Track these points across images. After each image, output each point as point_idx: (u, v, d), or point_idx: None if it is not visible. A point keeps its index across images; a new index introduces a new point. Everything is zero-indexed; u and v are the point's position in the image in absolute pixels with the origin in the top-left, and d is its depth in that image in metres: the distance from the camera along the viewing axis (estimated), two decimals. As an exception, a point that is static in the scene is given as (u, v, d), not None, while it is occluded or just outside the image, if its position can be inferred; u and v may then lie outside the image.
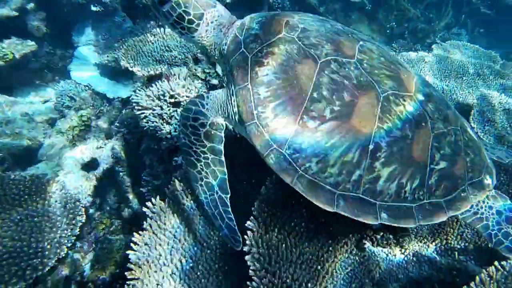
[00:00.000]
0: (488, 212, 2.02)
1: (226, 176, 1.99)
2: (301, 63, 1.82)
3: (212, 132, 1.96)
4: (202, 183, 1.97)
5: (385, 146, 1.77)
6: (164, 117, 3.39)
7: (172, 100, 3.44)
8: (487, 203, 2.03)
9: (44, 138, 4.66)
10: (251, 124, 1.82)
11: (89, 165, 4.34)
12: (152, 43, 4.20)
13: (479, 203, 2.01)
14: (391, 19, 7.83)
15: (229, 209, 1.97)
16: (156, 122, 3.37)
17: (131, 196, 4.14)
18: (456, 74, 4.89)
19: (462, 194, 1.91)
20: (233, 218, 1.97)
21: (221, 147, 1.98)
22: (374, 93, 1.79)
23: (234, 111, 1.92)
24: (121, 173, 4.21)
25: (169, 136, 3.37)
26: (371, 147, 1.76)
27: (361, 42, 1.96)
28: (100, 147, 4.44)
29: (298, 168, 1.77)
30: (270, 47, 1.87)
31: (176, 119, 3.39)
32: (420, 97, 1.91)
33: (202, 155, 1.96)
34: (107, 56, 5.96)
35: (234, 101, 1.91)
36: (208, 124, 1.96)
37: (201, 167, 1.96)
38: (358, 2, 7.62)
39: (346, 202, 1.76)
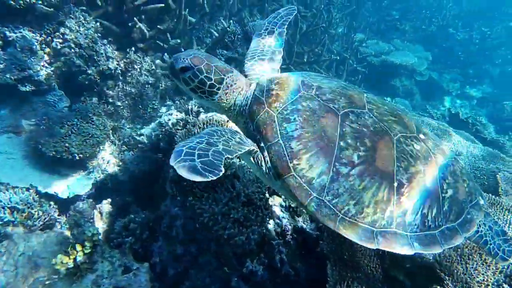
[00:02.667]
0: (484, 228, 2.24)
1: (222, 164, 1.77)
2: (324, 116, 1.96)
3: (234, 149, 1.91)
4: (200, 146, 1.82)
5: (406, 182, 1.93)
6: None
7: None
8: (481, 221, 2.23)
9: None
10: (289, 176, 1.91)
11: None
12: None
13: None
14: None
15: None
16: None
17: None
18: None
19: (468, 216, 2.11)
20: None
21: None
22: (389, 137, 1.98)
23: (268, 166, 2.00)
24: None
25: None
26: (395, 184, 1.91)
27: (365, 94, 2.18)
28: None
29: (338, 212, 1.87)
30: (293, 105, 2.01)
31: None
32: (422, 136, 2.14)
33: (201, 145, 1.85)
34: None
35: (266, 156, 2.00)
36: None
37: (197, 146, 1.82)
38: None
39: (384, 238, 1.88)
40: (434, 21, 12.57)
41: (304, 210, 1.95)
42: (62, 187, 3.99)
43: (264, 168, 2.02)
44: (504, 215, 3.66)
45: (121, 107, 4.64)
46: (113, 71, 4.48)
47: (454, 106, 9.47)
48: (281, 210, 2.91)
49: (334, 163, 1.89)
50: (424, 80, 11.36)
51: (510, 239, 2.29)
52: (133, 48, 4.78)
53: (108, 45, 4.65)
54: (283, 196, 3.09)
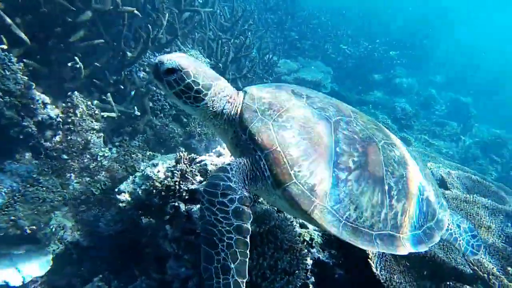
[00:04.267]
0: (453, 227, 2.50)
1: (247, 259, 1.82)
2: (319, 124, 1.95)
3: (241, 209, 1.84)
4: (218, 265, 1.79)
5: (394, 185, 2.00)
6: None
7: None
8: (449, 220, 2.47)
9: None
10: (290, 184, 1.83)
11: None
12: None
13: None
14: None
15: None
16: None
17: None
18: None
19: (439, 216, 2.27)
20: None
21: (249, 225, 1.85)
22: (375, 143, 2.04)
23: (267, 175, 1.89)
24: None
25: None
26: (386, 188, 1.97)
27: (348, 106, 2.28)
28: None
29: (341, 218, 1.86)
30: (288, 113, 1.96)
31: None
32: (398, 143, 2.28)
33: (226, 235, 1.81)
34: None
35: (264, 165, 1.89)
36: (237, 200, 1.85)
37: (222, 248, 1.80)
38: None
39: (382, 242, 1.93)
40: (328, 39, 13.99)
41: (304, 219, 1.96)
42: (11, 272, 3.17)
43: (261, 178, 1.93)
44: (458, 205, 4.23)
45: (68, 160, 3.94)
46: (54, 120, 3.79)
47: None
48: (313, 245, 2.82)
49: (334, 169, 1.87)
50: (327, 92, 12.51)
51: (478, 235, 2.58)
52: (75, 92, 4.14)
53: (38, 88, 3.93)
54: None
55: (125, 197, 3.13)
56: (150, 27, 4.42)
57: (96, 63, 4.45)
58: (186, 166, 3.06)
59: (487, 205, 4.11)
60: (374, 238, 1.92)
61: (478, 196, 4.33)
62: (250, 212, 1.86)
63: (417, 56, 17.62)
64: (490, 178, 9.46)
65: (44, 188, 3.39)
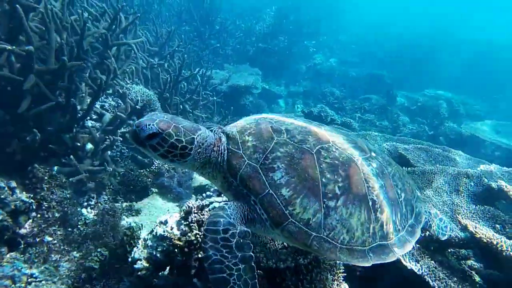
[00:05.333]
0: (426, 215, 2.72)
1: (256, 280, 1.95)
2: (303, 158, 2.05)
3: (242, 241, 1.95)
4: None
5: (376, 198, 2.16)
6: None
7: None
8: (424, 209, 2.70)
9: None
10: (288, 223, 1.95)
11: None
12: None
13: None
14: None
15: None
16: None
17: None
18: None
19: (417, 210, 2.49)
20: None
21: (251, 253, 1.96)
22: (354, 163, 2.17)
23: (264, 218, 2.01)
24: None
25: None
26: (370, 203, 2.12)
27: (322, 127, 2.40)
28: None
29: (336, 243, 1.99)
30: (273, 153, 2.05)
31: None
32: (373, 154, 2.42)
33: (235, 267, 1.91)
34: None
35: (259, 209, 2.00)
36: (238, 234, 1.94)
37: (234, 281, 1.90)
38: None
39: (374, 254, 2.08)
40: (248, 41, 14.28)
41: (304, 249, 2.13)
42: None
43: (259, 220, 2.04)
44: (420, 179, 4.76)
45: (53, 241, 3.57)
46: (27, 203, 3.40)
47: (308, 106, 11.10)
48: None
49: (323, 199, 2.00)
50: (259, 92, 12.84)
51: (443, 219, 2.92)
52: (35, 165, 3.74)
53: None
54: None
55: (142, 264, 2.95)
56: (103, 77, 4.15)
57: (48, 128, 4.07)
58: (199, 215, 3.00)
59: (450, 171, 4.69)
60: (367, 253, 2.07)
61: (439, 165, 4.93)
62: (250, 242, 1.98)
63: (328, 41, 18.87)
64: (424, 139, 10.65)
65: (43, 282, 3.05)
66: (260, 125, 2.21)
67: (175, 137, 1.99)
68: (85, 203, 4.76)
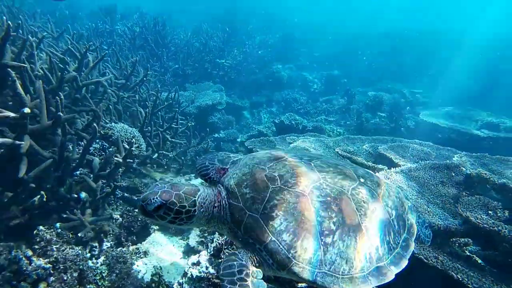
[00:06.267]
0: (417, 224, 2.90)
1: None
2: (298, 202, 2.23)
3: (256, 280, 2.13)
4: None
5: (369, 224, 2.34)
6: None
7: None
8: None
9: None
10: (292, 265, 2.13)
11: None
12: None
13: None
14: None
15: None
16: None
17: None
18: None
19: (409, 222, 2.69)
20: None
21: (265, 284, 2.16)
22: (345, 195, 2.36)
23: (270, 262, 2.19)
24: None
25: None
26: (364, 230, 2.31)
27: (312, 164, 2.56)
28: None
29: (338, 275, 2.18)
30: (270, 202, 2.23)
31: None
32: (362, 180, 2.60)
33: None
34: None
35: (265, 255, 2.18)
36: (251, 274, 2.13)
37: None
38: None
39: (373, 277, 2.25)
40: (206, 59, 14.36)
41: (310, 284, 2.28)
42: None
43: (267, 263, 2.24)
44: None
45: (75, 303, 3.46)
46: (48, 270, 3.28)
47: (277, 117, 11.35)
48: None
49: (320, 238, 2.19)
50: (224, 107, 12.97)
51: (428, 226, 3.18)
52: (39, 227, 3.61)
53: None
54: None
55: (185, 312, 2.99)
56: (95, 126, 4.09)
57: (47, 186, 3.93)
58: (230, 250, 3.10)
59: (431, 165, 5.14)
60: (367, 277, 2.23)
61: (420, 160, 5.38)
62: (264, 281, 2.18)
63: (282, 48, 19.43)
64: (388, 131, 11.35)
65: None
66: (255, 175, 2.39)
67: (178, 205, 2.19)
68: (88, 254, 4.62)
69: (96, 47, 7.78)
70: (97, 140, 5.63)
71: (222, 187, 2.48)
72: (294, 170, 2.42)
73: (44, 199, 3.52)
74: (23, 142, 3.35)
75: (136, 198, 5.84)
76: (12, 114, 3.07)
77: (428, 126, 10.85)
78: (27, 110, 3.24)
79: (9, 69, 3.19)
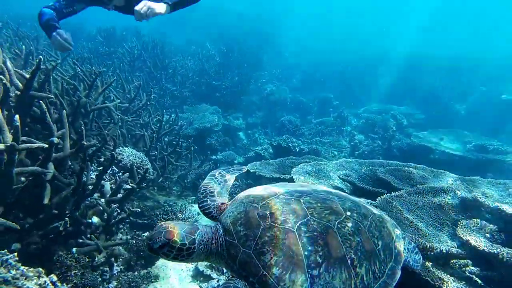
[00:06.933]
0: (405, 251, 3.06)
1: None
2: (286, 238, 2.45)
3: None
4: None
5: (354, 256, 2.52)
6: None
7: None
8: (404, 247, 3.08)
9: None
10: None
11: None
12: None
13: None
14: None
15: None
16: None
17: None
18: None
19: (396, 250, 2.83)
20: None
21: None
22: (331, 229, 2.55)
23: None
24: None
25: None
26: (349, 262, 2.49)
27: (301, 200, 2.76)
28: None
29: None
30: (261, 238, 2.46)
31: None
32: (349, 213, 2.77)
33: None
34: None
35: (258, 286, 2.38)
36: None
37: None
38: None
39: None
40: (203, 81, 14.70)
41: None
42: None
43: None
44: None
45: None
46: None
47: (274, 139, 11.62)
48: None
49: (307, 270, 2.37)
50: (220, 128, 13.22)
51: (418, 251, 3.32)
52: (59, 252, 3.72)
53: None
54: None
55: None
56: (114, 153, 4.27)
57: (66, 211, 4.06)
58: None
59: (428, 189, 5.43)
60: None
61: (418, 184, 5.67)
62: None
63: (274, 70, 19.95)
64: (381, 154, 11.71)
65: None
66: (248, 214, 2.63)
67: (180, 243, 2.45)
68: (100, 279, 4.71)
69: (100, 72, 8.01)
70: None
71: (219, 225, 2.73)
72: (284, 207, 2.64)
73: (68, 225, 3.62)
74: (50, 171, 3.51)
75: (140, 222, 5.98)
76: (45, 145, 3.24)
77: (420, 148, 11.25)
78: (56, 140, 3.41)
79: (41, 101, 3.38)
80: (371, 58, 24.09)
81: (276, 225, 2.48)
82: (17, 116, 3.01)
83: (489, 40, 42.14)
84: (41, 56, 3.59)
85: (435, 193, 5.37)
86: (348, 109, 16.67)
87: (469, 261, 4.16)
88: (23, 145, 3.14)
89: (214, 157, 11.13)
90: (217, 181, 3.33)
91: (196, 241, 2.51)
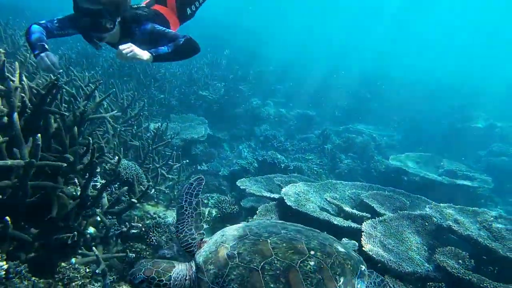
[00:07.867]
0: (370, 286, 3.29)
1: None
2: (250, 276, 2.74)
3: None
4: None
5: None
6: None
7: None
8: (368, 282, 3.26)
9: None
10: None
11: None
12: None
13: None
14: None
15: None
16: None
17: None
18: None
19: (357, 286, 2.99)
20: None
21: None
22: (294, 268, 2.79)
23: None
24: None
25: None
26: None
27: (269, 241, 3.06)
28: None
29: None
30: (228, 276, 2.78)
31: None
32: (312, 252, 2.97)
33: None
34: None
35: None
36: None
37: None
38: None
39: None
40: (192, 91, 14.87)
41: None
42: None
43: None
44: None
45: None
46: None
47: (259, 153, 11.91)
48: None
49: None
50: (204, 139, 13.38)
51: (386, 284, 3.57)
52: (62, 263, 3.84)
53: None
54: None
55: None
56: (119, 171, 4.42)
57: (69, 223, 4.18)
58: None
59: (407, 215, 5.87)
60: None
61: (398, 210, 6.11)
62: None
63: (259, 83, 20.35)
64: (360, 173, 12.23)
65: None
66: (218, 254, 2.99)
67: (157, 279, 2.89)
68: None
69: (96, 81, 8.09)
70: (105, 176, 5.89)
71: (194, 263, 3.10)
72: (251, 248, 2.95)
73: (76, 238, 3.75)
74: (61, 186, 3.65)
75: (131, 232, 6.08)
76: (64, 164, 3.40)
77: (397, 170, 11.83)
78: (72, 158, 3.57)
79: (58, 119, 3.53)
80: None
81: (242, 264, 2.81)
82: (39, 135, 3.16)
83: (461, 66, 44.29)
84: (58, 75, 3.73)
85: (414, 219, 5.83)
86: (330, 126, 17.23)
87: (443, 283, 4.58)
88: (42, 162, 3.29)
89: (199, 167, 11.29)
90: (188, 214, 3.63)
91: (172, 278, 2.94)
